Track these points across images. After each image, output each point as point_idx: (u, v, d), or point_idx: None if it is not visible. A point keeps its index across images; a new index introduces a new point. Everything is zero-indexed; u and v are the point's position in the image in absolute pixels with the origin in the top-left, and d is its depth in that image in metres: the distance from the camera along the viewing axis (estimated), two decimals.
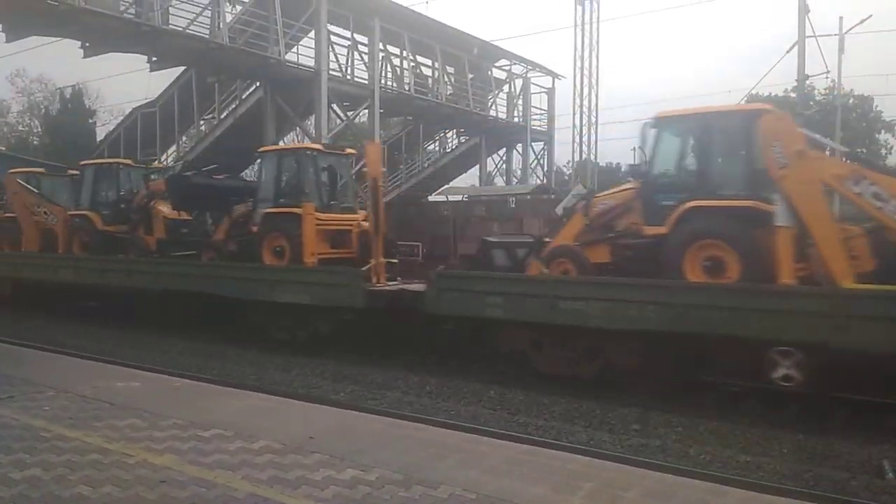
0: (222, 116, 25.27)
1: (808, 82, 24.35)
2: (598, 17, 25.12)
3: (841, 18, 26.17)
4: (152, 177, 16.97)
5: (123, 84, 79.39)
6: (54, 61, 59.29)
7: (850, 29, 25.84)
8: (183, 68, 25.09)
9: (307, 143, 14.35)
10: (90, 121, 42.20)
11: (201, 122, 27.51)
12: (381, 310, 11.73)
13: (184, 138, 29.14)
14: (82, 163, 18.41)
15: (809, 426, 7.97)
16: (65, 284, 16.51)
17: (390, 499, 4.61)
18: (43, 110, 45.80)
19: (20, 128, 49.39)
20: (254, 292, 12.78)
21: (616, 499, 4.65)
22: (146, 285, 14.77)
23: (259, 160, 15.17)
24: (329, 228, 13.47)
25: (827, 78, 26.74)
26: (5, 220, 18.92)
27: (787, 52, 20.72)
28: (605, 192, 11.03)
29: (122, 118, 31.66)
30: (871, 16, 25.81)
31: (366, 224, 13.27)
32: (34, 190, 18.20)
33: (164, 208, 15.95)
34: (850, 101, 38.18)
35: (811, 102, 36.09)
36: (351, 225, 13.74)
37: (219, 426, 6.17)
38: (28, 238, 18.10)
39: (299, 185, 13.45)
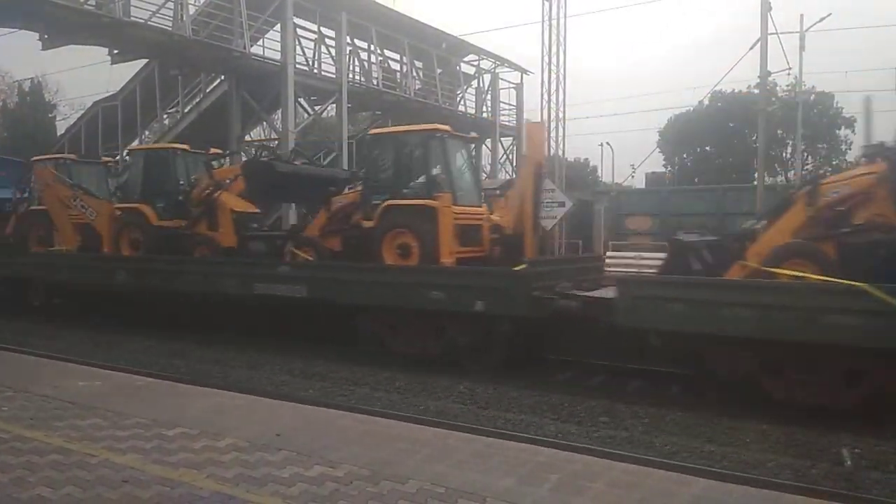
0: (186, 110, 24.91)
1: (770, 79, 24.82)
2: (565, 14, 25.17)
3: (802, 16, 26.70)
4: (215, 164, 15.05)
5: (84, 77, 77.58)
6: (12, 53, 57.77)
7: (811, 27, 26.39)
8: (145, 61, 24.65)
9: (435, 125, 12.35)
10: (50, 115, 41.35)
11: (164, 116, 27.06)
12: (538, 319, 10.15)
13: (146, 132, 28.63)
14: (130, 148, 16.94)
15: (772, 416, 8.11)
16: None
17: (358, 494, 4.58)
18: (0, 104, 44.60)
19: None
20: (380, 297, 11.05)
21: (582, 489, 4.69)
22: (233, 291, 12.67)
23: (366, 143, 12.72)
24: (461, 224, 11.58)
25: (789, 75, 27.34)
26: (32, 214, 16.94)
27: (750, 48, 21.03)
28: (836, 178, 9.39)
29: (82, 112, 31.00)
30: (830, 14, 26.22)
31: (495, 218, 12.08)
32: (69, 181, 15.89)
33: (231, 200, 13.95)
34: (812, 97, 39.04)
35: (773, 99, 36.89)
36: (481, 219, 12.15)
37: (183, 425, 6.08)
38: (63, 235, 16.00)
39: (432, 173, 11.61)
